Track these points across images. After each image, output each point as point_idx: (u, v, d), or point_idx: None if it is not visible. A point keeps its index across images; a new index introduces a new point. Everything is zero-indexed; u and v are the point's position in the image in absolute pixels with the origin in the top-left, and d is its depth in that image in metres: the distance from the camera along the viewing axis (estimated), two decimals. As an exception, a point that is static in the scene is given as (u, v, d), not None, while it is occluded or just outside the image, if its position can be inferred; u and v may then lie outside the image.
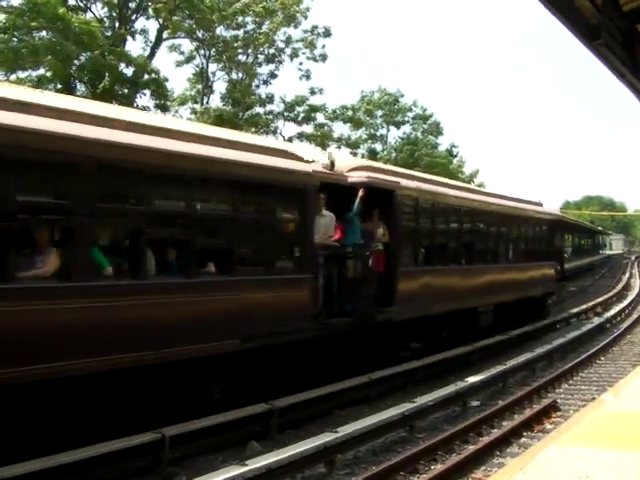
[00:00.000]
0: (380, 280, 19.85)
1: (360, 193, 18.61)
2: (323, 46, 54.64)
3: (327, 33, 54.49)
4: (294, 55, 54.05)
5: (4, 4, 40.15)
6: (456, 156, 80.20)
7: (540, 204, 38.10)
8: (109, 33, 45.04)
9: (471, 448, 13.80)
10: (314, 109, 56.26)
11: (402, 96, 74.44)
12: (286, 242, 17.75)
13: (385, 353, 20.35)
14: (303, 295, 16.94)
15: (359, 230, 18.96)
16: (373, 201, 19.51)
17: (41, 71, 41.74)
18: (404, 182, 21.85)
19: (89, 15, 45.06)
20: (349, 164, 20.70)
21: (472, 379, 18.49)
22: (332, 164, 18.78)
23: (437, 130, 76.53)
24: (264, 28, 51.67)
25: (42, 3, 38.03)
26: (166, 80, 47.51)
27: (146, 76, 45.30)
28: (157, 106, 47.34)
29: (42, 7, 38.14)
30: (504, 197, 32.94)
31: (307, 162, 17.91)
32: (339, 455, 12.96)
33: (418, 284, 21.77)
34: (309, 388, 16.10)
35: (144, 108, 44.76)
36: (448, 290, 23.73)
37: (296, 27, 53.21)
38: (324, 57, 54.90)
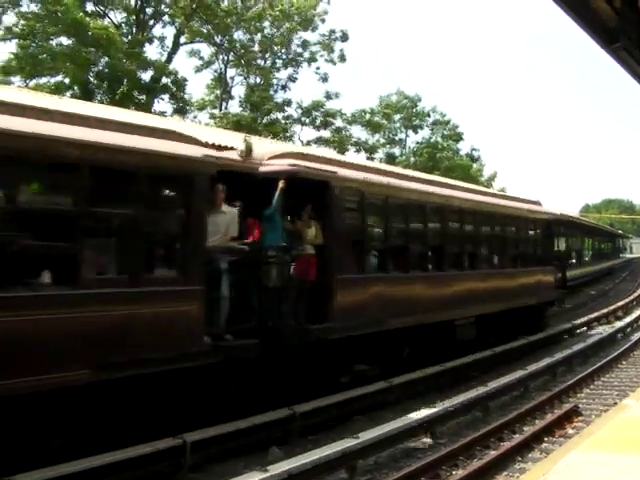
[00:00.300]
0: (313, 290, 16.60)
1: (280, 185, 15.62)
2: (341, 50, 54.90)
3: (344, 37, 54.71)
4: (312, 59, 54.28)
5: (23, 9, 40.55)
6: (477, 160, 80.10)
7: (538, 203, 34.12)
8: (127, 39, 45.30)
9: (492, 453, 13.76)
10: (330, 114, 56.36)
11: (420, 100, 74.46)
12: (164, 246, 14.48)
13: (320, 378, 16.95)
14: (192, 311, 13.42)
15: (282, 230, 16.17)
16: (306, 196, 16.93)
17: (59, 77, 42.07)
18: (343, 172, 18.21)
19: (107, 21, 45.37)
20: (271, 151, 17.65)
21: (493, 384, 18.46)
22: (248, 151, 16.25)
23: (457, 135, 76.44)
24: (281, 32, 51.94)
25: (60, 9, 38.33)
26: (185, 80, 47.75)
27: (164, 80, 45.57)
28: (175, 110, 47.61)
29: (60, 13, 38.43)
30: (490, 194, 30.16)
31: (204, 146, 15.01)
32: (360, 461, 12.92)
33: (366, 294, 18.35)
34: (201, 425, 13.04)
35: (162, 113, 45.00)
36: (410, 301, 20.23)
37: (314, 30, 53.47)
38: (342, 57, 55.10)
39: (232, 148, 16.90)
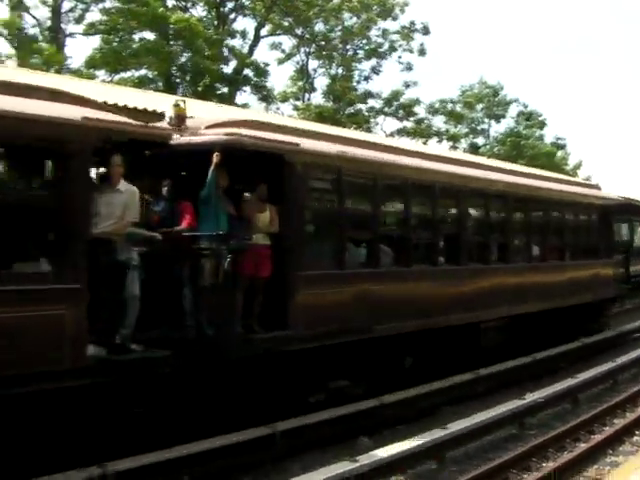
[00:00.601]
0: (269, 289, 13.49)
1: (214, 159, 12.60)
2: (421, 44, 54.66)
3: (426, 30, 54.44)
4: (392, 49, 54.14)
5: (107, 5, 41.31)
6: (563, 148, 78.81)
7: (597, 187, 30.40)
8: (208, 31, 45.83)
9: (583, 446, 13.55)
10: (408, 105, 56.11)
11: (502, 88, 73.52)
12: (25, 234, 10.73)
13: (281, 397, 13.85)
14: (66, 316, 10.34)
15: (223, 215, 13.12)
16: (265, 174, 13.97)
17: (143, 71, 42.75)
18: (309, 144, 14.65)
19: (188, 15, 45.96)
20: (213, 119, 14.24)
21: (583, 376, 18.27)
22: (179, 118, 13.53)
23: (540, 123, 75.29)
24: (360, 22, 51.96)
25: (142, 4, 38.97)
26: (267, 65, 48.14)
27: (246, 71, 45.98)
28: (259, 100, 48.05)
29: (142, 8, 39.07)
30: (531, 175, 25.76)
31: (101, 109, 11.77)
32: (449, 452, 12.91)
33: (345, 295, 14.99)
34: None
35: (245, 105, 45.41)
36: (412, 302, 16.79)
37: (394, 19, 53.32)
38: (422, 52, 54.84)
39: (163, 115, 14.14)
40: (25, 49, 38.48)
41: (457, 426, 13.30)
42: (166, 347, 11.74)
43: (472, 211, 20.66)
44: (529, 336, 22.14)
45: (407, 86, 55.89)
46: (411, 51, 54.77)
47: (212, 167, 12.70)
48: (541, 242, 23.74)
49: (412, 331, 16.86)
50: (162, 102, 15.45)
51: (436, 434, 12.75)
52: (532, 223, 23.24)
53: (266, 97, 48.59)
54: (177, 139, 12.80)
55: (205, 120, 13.99)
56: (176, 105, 13.72)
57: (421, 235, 18.28)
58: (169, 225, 12.86)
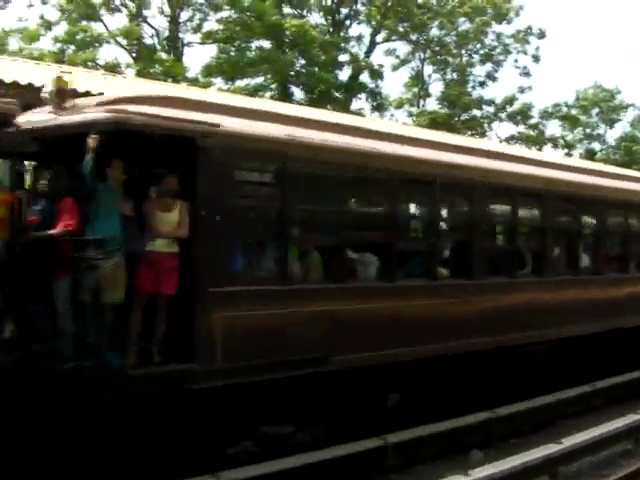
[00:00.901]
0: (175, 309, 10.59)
1: (89, 142, 9.83)
2: (536, 48, 54.00)
3: (541, 35, 53.76)
4: (506, 52, 53.64)
5: (224, 14, 42.05)
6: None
7: None
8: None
9: None
10: (522, 111, 55.40)
11: (619, 92, 71.79)
12: None
13: (189, 449, 10.91)
14: None
15: (114, 215, 10.39)
16: (175, 163, 10.94)
17: (259, 79, 43.37)
18: (235, 124, 11.42)
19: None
20: (108, 96, 11.69)
21: None
22: (61, 93, 10.87)
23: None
24: (475, 26, 51.68)
25: (258, 13, 39.55)
26: (382, 67, 48.18)
27: (361, 77, 46.20)
28: (373, 108, 48.19)
29: (257, 18, 39.68)
30: (565, 167, 20.43)
31: None
32: (562, 467, 12.79)
33: (286, 317, 11.71)
34: None
35: (359, 111, 45.61)
36: (396, 324, 13.44)
37: (509, 23, 52.87)
38: (537, 58, 54.19)
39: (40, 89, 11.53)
40: (145, 59, 39.50)
41: (572, 440, 13.08)
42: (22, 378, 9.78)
43: (481, 211, 16.19)
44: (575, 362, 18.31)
45: (522, 91, 55.34)
46: (525, 53, 54.21)
47: (88, 155, 9.97)
48: (583, 252, 19.54)
49: (401, 361, 13.49)
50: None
51: (550, 448, 12.61)
52: (568, 227, 19.22)
53: (380, 105, 48.69)
54: (44, 119, 10.59)
55: (100, 98, 11.46)
56: (57, 78, 11.09)
57: (407, 240, 15.17)
58: (49, 228, 10.46)
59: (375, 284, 13.65)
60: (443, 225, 15.88)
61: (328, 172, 12.80)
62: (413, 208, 16.25)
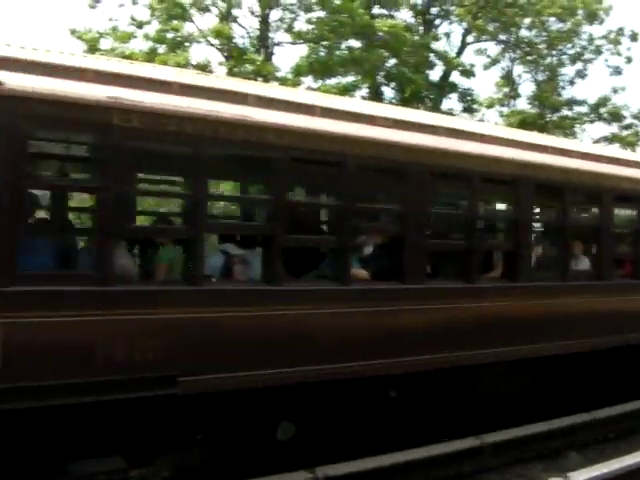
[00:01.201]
0: None
1: None
2: (628, 48, 52.97)
3: (634, 37, 52.75)
4: (598, 51, 52.73)
5: (314, 15, 42.12)
6: None
7: None
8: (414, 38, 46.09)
9: None
10: (615, 112, 54.35)
11: None
12: None
13: None
14: None
15: None
16: None
17: (350, 78, 43.30)
18: (29, 80, 8.55)
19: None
20: None
21: None
22: None
23: None
24: (567, 26, 50.92)
25: (347, 14, 39.51)
26: (473, 66, 47.74)
27: (452, 76, 45.90)
28: (465, 109, 47.88)
29: (348, 18, 39.64)
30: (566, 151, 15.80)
31: None
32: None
33: (107, 324, 8.96)
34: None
35: (450, 111, 45.36)
36: (290, 337, 10.65)
37: (601, 23, 51.95)
38: (629, 59, 53.19)
39: None
40: (236, 58, 39.79)
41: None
42: None
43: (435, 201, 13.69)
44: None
45: (615, 92, 54.37)
46: (619, 54, 53.20)
47: None
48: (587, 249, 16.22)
49: (298, 383, 10.66)
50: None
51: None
52: (552, 224, 16.01)
53: (470, 108, 48.34)
54: None
55: None
56: None
57: (315, 233, 12.57)
58: None
59: (234, 288, 10.59)
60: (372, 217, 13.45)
61: (187, 148, 9.98)
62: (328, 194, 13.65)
